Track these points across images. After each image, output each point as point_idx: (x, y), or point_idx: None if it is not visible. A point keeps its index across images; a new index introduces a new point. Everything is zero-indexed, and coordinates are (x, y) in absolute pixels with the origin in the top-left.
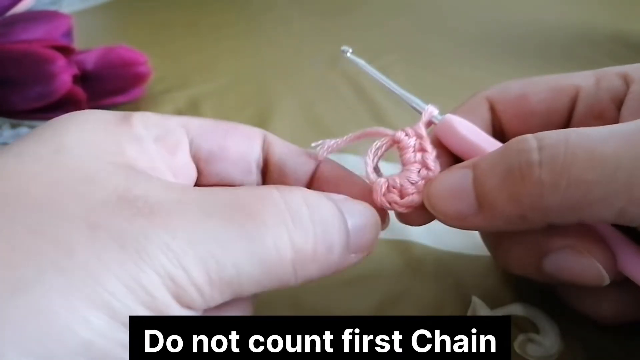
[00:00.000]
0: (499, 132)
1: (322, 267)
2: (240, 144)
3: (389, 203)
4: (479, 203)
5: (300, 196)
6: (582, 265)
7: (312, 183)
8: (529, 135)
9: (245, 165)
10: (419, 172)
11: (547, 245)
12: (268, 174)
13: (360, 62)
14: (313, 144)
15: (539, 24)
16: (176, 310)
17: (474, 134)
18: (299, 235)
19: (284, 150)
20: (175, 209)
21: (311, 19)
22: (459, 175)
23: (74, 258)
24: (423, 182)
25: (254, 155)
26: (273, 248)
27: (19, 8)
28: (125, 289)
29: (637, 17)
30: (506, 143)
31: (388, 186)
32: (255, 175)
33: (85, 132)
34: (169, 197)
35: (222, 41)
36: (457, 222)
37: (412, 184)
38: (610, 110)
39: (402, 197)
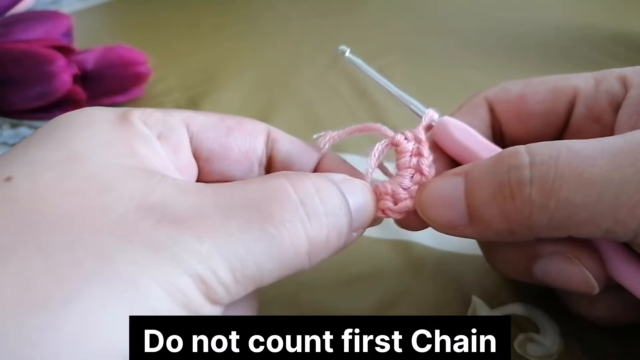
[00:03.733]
0: (499, 133)
1: (332, 251)
2: (243, 143)
3: (382, 210)
4: (469, 214)
5: (312, 186)
6: (571, 272)
7: None
8: (521, 149)
9: (247, 164)
10: (412, 177)
11: (538, 250)
12: (272, 170)
13: (359, 62)
14: (315, 136)
15: (539, 24)
16: (207, 308)
17: (469, 138)
18: (314, 228)
19: (289, 146)
20: (195, 213)
21: (311, 19)
22: (451, 183)
23: (114, 267)
24: (416, 187)
25: (257, 153)
26: (290, 244)
27: (19, 8)
28: (164, 293)
29: (637, 17)
30: (498, 154)
31: (379, 193)
32: (256, 174)
33: (93, 133)
34: (186, 201)
35: (222, 41)
36: (448, 230)
37: (404, 189)
38: (608, 114)
39: (395, 203)
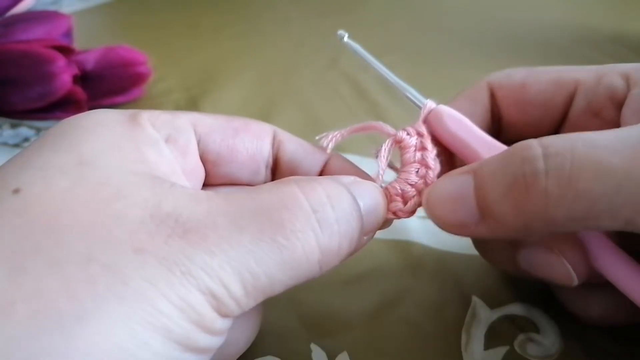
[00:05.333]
0: (497, 120)
1: (343, 257)
2: (250, 145)
3: (393, 212)
4: (481, 212)
5: (323, 193)
6: (551, 263)
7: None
8: (533, 141)
9: (253, 167)
10: (417, 172)
11: (522, 240)
12: (278, 171)
13: (358, 47)
14: (317, 137)
15: (539, 24)
16: (219, 322)
17: (462, 128)
18: (325, 237)
19: (295, 148)
20: (206, 223)
21: (311, 19)
22: (459, 181)
23: (128, 285)
24: (422, 181)
25: (263, 155)
26: (302, 254)
27: (19, 8)
28: (177, 311)
29: (637, 17)
30: (509, 149)
31: (390, 195)
32: (263, 176)
33: (103, 137)
34: (197, 211)
35: (222, 41)
36: (458, 230)
37: (411, 185)
38: (608, 109)
39: (405, 202)
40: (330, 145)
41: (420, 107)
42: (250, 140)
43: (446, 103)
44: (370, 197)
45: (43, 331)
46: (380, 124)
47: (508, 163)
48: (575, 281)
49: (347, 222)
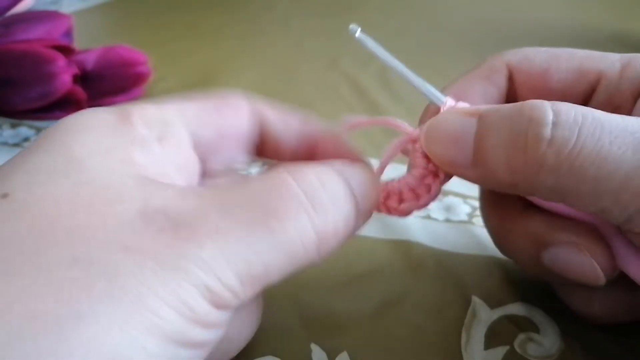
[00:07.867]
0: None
1: (340, 239)
2: (239, 127)
3: (388, 209)
4: (475, 158)
5: (314, 176)
6: (580, 263)
7: (314, 157)
8: (546, 104)
9: (245, 148)
10: (421, 178)
11: (548, 238)
12: (265, 148)
13: (372, 43)
14: (344, 117)
15: (539, 24)
16: (214, 314)
17: None
18: (320, 219)
19: (278, 122)
20: (196, 217)
21: (311, 19)
22: (463, 122)
23: (121, 286)
24: (425, 188)
25: (251, 134)
26: (297, 238)
27: (19, 8)
28: (171, 310)
29: (637, 17)
30: (520, 103)
31: (388, 192)
32: (253, 152)
33: (92, 138)
34: (187, 205)
35: (222, 41)
36: (448, 168)
37: (410, 189)
38: (628, 103)
39: (400, 202)
40: (345, 128)
41: (439, 105)
42: (237, 122)
43: (452, 86)
44: (363, 181)
45: (36, 335)
46: (400, 123)
47: (515, 118)
48: (603, 280)
49: (340, 202)
